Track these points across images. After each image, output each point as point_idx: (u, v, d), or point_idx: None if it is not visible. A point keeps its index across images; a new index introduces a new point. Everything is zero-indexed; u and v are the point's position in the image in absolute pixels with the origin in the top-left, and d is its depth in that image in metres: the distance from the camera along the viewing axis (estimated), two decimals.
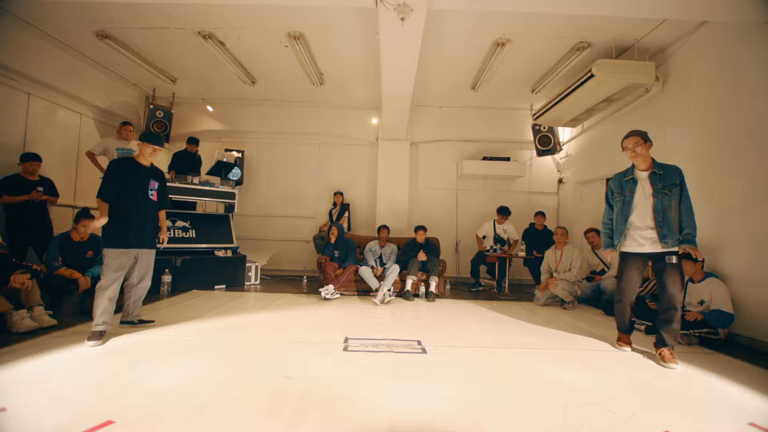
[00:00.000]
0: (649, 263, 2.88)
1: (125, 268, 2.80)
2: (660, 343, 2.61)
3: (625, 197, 2.75)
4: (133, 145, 5.20)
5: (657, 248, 2.62)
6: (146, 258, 2.97)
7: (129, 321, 2.98)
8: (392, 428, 1.59)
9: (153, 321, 3.09)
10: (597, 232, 4.79)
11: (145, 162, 2.96)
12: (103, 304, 2.63)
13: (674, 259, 2.58)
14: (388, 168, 6.60)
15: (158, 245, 3.10)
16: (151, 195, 2.96)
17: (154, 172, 3.04)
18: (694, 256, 2.85)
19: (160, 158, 5.60)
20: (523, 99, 6.11)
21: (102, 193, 2.76)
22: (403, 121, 6.06)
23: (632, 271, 2.75)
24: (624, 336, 2.88)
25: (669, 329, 2.58)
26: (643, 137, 2.69)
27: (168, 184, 4.80)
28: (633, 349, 2.81)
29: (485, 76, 5.23)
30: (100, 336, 2.56)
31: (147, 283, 3.03)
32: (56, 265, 3.36)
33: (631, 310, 2.85)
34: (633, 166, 2.78)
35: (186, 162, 5.64)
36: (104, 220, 2.71)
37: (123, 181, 2.82)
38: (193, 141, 5.77)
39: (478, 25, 4.10)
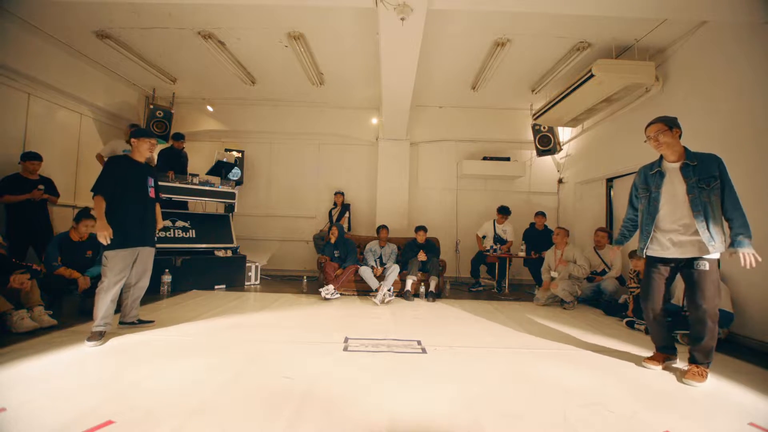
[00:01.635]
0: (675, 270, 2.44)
1: (128, 268, 2.78)
2: (691, 360, 2.32)
3: (651, 193, 2.40)
4: None
5: (685, 253, 2.27)
6: (145, 257, 2.94)
7: (128, 322, 2.95)
8: (392, 428, 1.58)
9: (153, 321, 3.07)
10: (607, 233, 4.79)
11: (141, 158, 2.93)
12: (105, 306, 2.61)
13: (707, 266, 2.22)
14: (389, 168, 6.60)
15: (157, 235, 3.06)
16: (149, 191, 2.94)
17: (149, 168, 3.02)
18: (745, 262, 2.15)
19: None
20: (523, 99, 6.11)
21: (98, 188, 2.68)
22: (403, 121, 6.06)
23: (655, 280, 2.40)
24: (657, 354, 2.47)
25: (699, 347, 2.25)
26: (668, 123, 2.34)
27: (168, 184, 4.89)
28: (663, 367, 2.43)
29: (485, 76, 5.24)
30: (100, 336, 2.55)
31: (145, 283, 2.99)
32: (56, 265, 3.36)
33: (660, 325, 2.46)
34: (661, 158, 2.43)
35: (172, 159, 5.52)
36: (103, 224, 2.60)
37: (122, 179, 2.77)
38: (178, 137, 5.65)
39: (478, 25, 4.10)
